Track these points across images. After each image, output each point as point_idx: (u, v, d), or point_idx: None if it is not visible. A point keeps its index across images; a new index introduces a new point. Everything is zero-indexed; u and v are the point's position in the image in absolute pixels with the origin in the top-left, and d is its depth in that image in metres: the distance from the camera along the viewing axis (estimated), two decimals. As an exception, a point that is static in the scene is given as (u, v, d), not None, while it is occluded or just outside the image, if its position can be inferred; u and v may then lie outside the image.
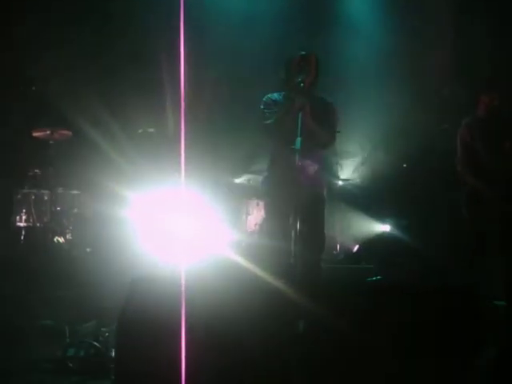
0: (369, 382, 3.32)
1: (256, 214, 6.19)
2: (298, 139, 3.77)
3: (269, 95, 4.20)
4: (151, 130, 6.49)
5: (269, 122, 4.06)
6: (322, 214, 4.12)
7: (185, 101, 3.26)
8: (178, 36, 3.05)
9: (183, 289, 2.94)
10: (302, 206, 3.90)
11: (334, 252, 6.39)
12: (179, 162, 3.31)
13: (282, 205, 4.01)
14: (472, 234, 4.56)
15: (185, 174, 3.68)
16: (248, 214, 6.23)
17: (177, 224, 4.89)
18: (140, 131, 6.50)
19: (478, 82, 5.42)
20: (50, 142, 6.19)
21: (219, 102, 6.67)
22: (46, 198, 6.11)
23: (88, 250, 5.73)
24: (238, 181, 6.57)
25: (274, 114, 4.06)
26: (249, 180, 6.49)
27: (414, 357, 3.47)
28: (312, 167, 4.06)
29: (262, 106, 4.16)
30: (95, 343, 3.79)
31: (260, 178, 6.36)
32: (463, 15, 6.79)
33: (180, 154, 3.23)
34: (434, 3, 6.94)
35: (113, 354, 3.61)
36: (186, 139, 3.24)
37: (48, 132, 6.14)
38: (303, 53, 4.12)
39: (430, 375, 3.35)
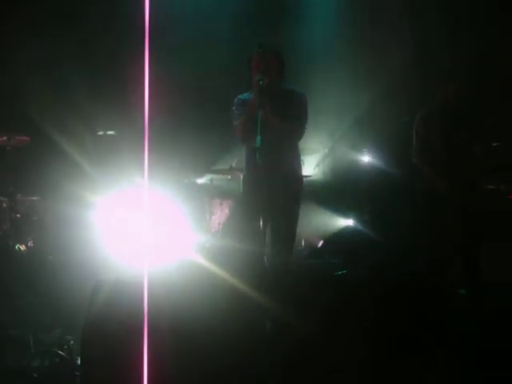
0: (340, 377, 3.34)
1: (219, 214, 6.17)
2: (258, 138, 3.78)
3: (239, 96, 4.18)
4: (111, 132, 6.42)
5: (235, 123, 4.06)
6: (294, 213, 4.10)
7: (148, 101, 3.23)
8: (142, 36, 3.02)
9: (146, 292, 2.91)
10: (274, 206, 3.91)
11: (299, 248, 6.41)
12: (142, 163, 3.27)
13: (254, 204, 4.00)
14: (431, 224, 4.62)
15: (148, 175, 3.65)
16: (212, 213, 6.21)
17: (140, 226, 4.85)
18: (100, 133, 6.43)
19: (434, 75, 5.51)
20: (8, 148, 6.07)
21: (183, 103, 6.63)
22: (4, 205, 5.99)
23: (50, 256, 5.64)
24: (200, 181, 6.54)
25: (241, 114, 4.05)
26: (212, 180, 6.47)
27: (385, 348, 3.52)
28: (283, 165, 4.05)
29: (233, 107, 4.15)
30: (60, 352, 3.73)
31: (223, 178, 6.43)
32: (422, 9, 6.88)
33: (143, 155, 3.20)
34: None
35: (78, 361, 3.57)
36: (149, 140, 3.22)
37: (5, 138, 6.01)
38: (260, 49, 4.11)
39: (400, 365, 3.39)
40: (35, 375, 3.62)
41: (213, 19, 6.66)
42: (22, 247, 5.79)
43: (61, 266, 5.30)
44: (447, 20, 6.57)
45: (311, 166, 7.07)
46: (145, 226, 4.67)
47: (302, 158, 6.92)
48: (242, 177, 4.30)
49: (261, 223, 4.00)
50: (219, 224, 6.15)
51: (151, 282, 3.00)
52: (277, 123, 3.94)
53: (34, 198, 6.19)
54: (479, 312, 4.28)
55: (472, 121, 4.73)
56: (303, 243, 6.49)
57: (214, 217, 6.21)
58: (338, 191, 6.82)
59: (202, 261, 4.21)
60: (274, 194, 3.95)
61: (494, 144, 5.75)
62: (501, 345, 3.66)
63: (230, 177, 6.39)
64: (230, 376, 3.16)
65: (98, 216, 5.40)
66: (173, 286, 3.29)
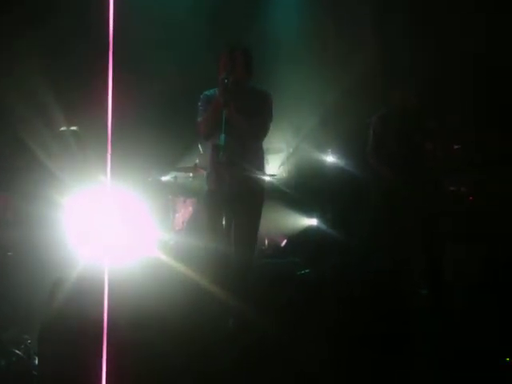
0: (301, 376, 3.36)
1: (183, 212, 6.14)
2: (222, 136, 3.77)
3: (205, 92, 4.16)
4: (74, 127, 6.32)
5: (199, 119, 4.04)
6: (257, 213, 4.10)
7: (112, 98, 3.19)
8: (106, 31, 2.98)
9: (106, 290, 2.87)
10: (236, 206, 3.90)
11: (263, 247, 6.41)
12: (105, 161, 3.23)
13: (218, 203, 3.99)
14: (390, 225, 4.66)
15: (111, 173, 3.60)
16: (175, 211, 6.17)
17: (102, 224, 4.79)
18: (63, 129, 6.32)
19: (392, 77, 5.57)
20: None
21: (146, 100, 6.58)
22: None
23: (9, 253, 5.53)
24: (164, 178, 6.50)
25: (206, 111, 4.03)
26: (175, 177, 6.43)
27: (346, 347, 3.54)
28: (246, 164, 4.04)
29: (199, 103, 4.13)
30: (17, 351, 3.66)
31: (187, 176, 6.40)
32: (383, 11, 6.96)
33: (106, 152, 3.16)
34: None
35: (36, 361, 3.50)
36: (112, 137, 3.18)
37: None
38: (228, 48, 4.10)
39: (362, 363, 3.42)
40: (-9, 375, 3.55)
41: (177, 18, 6.62)
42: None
43: (20, 264, 5.20)
44: (409, 22, 6.66)
45: (276, 165, 7.09)
46: (107, 224, 4.62)
47: (267, 157, 6.97)
48: (205, 174, 4.28)
49: (223, 222, 3.98)
50: (183, 222, 6.11)
51: (112, 279, 2.96)
52: (241, 122, 3.94)
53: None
54: (440, 312, 4.35)
55: (428, 122, 4.79)
56: (266, 242, 6.50)
57: (177, 215, 6.17)
58: (302, 191, 6.84)
59: (165, 258, 4.17)
60: (236, 193, 3.95)
61: (456, 146, 5.84)
62: (461, 344, 3.72)
63: (191, 174, 6.35)
64: (190, 372, 3.15)
65: (60, 214, 5.32)
66: (134, 283, 3.27)
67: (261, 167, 4.18)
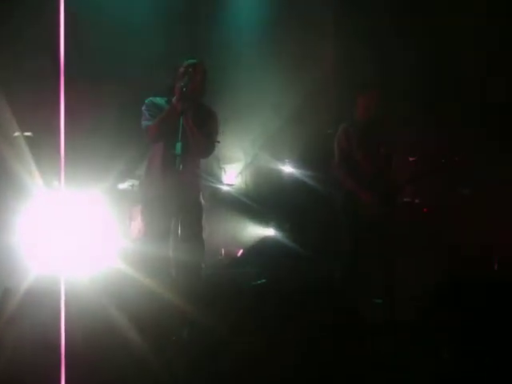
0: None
1: (139, 220, 6.07)
2: (179, 144, 3.76)
3: (151, 98, 4.15)
4: (28, 133, 6.21)
5: (149, 123, 4.01)
6: (199, 219, 4.10)
7: (64, 102, 3.15)
8: (57, 32, 2.94)
9: (63, 299, 2.82)
10: (180, 211, 3.89)
11: (219, 257, 6.40)
12: (59, 167, 3.18)
13: (160, 209, 3.96)
14: (348, 236, 4.70)
15: (64, 179, 3.54)
16: (132, 219, 6.10)
17: (56, 231, 4.71)
18: (16, 134, 6.20)
19: (355, 85, 5.63)
20: None
21: (103, 106, 6.50)
22: None
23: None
24: (121, 186, 6.42)
25: (154, 116, 4.01)
26: (132, 185, 6.36)
27: (299, 356, 3.55)
28: (191, 172, 4.04)
29: (143, 107, 4.12)
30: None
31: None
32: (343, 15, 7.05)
33: (60, 159, 3.11)
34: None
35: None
36: (66, 142, 3.13)
37: None
38: (191, 59, 4.12)
39: (317, 368, 3.44)
40: None
41: (134, 22, 6.58)
42: None
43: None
44: (368, 31, 6.76)
45: (233, 175, 7.10)
46: (61, 231, 4.54)
47: (224, 166, 7.01)
48: (145, 180, 4.24)
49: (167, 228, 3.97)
50: (139, 230, 6.04)
51: (66, 288, 2.92)
52: (195, 131, 3.95)
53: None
54: (392, 325, 4.41)
55: (390, 134, 4.85)
56: (223, 252, 6.49)
57: (133, 223, 6.11)
58: (259, 200, 6.85)
59: (122, 266, 4.12)
60: (179, 204, 3.94)
61: (411, 158, 5.92)
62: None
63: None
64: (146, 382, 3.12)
65: (12, 219, 5.20)
66: (89, 293, 3.22)
67: (199, 180, 4.22)
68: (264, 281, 5.35)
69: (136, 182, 6.35)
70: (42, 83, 5.80)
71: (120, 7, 6.51)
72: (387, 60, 6.54)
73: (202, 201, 4.15)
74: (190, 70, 4.01)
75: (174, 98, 3.94)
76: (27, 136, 6.16)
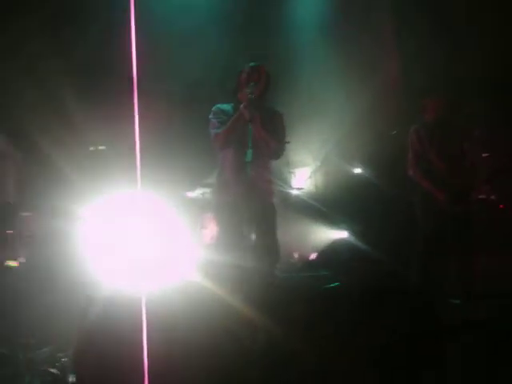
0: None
1: (211, 228, 6.15)
2: (250, 151, 3.79)
3: (218, 105, 4.21)
4: (102, 147, 6.41)
5: (218, 131, 4.06)
6: (274, 225, 4.12)
7: (138, 113, 3.23)
8: (129, 47, 3.03)
9: (144, 308, 2.90)
10: (253, 218, 3.92)
11: (292, 260, 6.40)
12: (134, 177, 3.26)
13: (233, 216, 4.00)
14: (425, 237, 4.63)
15: (140, 189, 3.64)
16: (204, 227, 6.19)
17: (133, 240, 4.83)
18: (91, 149, 6.41)
19: (423, 88, 5.53)
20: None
21: (172, 116, 6.63)
22: (-5, 222, 5.94)
23: (41, 271, 5.59)
24: (192, 194, 6.53)
25: (222, 123, 4.06)
26: (203, 193, 6.46)
27: (378, 362, 3.50)
28: (263, 178, 4.07)
29: (210, 116, 4.17)
30: (52, 370, 3.70)
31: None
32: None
33: (135, 168, 3.19)
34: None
35: (70, 379, 3.53)
36: (141, 153, 3.21)
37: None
38: (253, 64, 4.15)
39: (394, 377, 3.38)
40: (26, 394, 3.59)
41: (201, 31, 6.68)
42: (14, 264, 5.74)
43: (52, 282, 5.26)
44: (436, 32, 6.61)
45: (303, 178, 7.09)
46: (138, 240, 4.66)
47: (293, 170, 7.00)
48: (214, 189, 4.29)
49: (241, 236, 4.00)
50: (212, 238, 6.12)
51: (144, 296, 2.99)
52: (266, 138, 3.97)
53: (26, 214, 6.15)
54: (471, 324, 4.28)
55: (463, 131, 4.77)
56: (296, 256, 6.49)
57: (206, 231, 6.19)
58: (330, 203, 6.81)
59: (197, 276, 4.18)
60: (252, 209, 3.96)
61: (484, 154, 5.78)
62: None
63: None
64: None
65: (90, 230, 5.37)
66: (166, 300, 3.28)
67: (272, 185, 4.24)
68: (336, 284, 5.31)
69: (206, 190, 6.45)
70: (114, 97, 6.01)
71: (180, 16, 6.63)
72: (456, 59, 6.39)
73: (276, 206, 4.17)
74: (252, 74, 4.04)
75: (242, 105, 3.98)
76: (101, 149, 6.37)
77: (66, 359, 3.81)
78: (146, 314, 2.86)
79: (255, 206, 3.94)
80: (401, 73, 6.89)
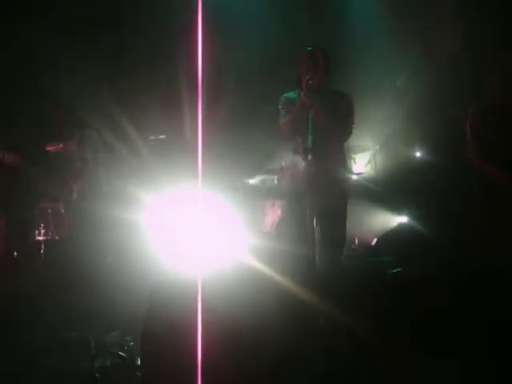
0: (392, 377, 3.32)
1: (272, 215, 6.19)
2: (309, 138, 3.79)
3: (285, 94, 4.22)
4: (162, 136, 6.52)
5: (283, 120, 4.08)
6: (343, 213, 4.11)
7: (202, 102, 3.28)
8: (195, 37, 3.07)
9: (200, 293, 2.96)
10: (322, 207, 3.91)
11: (353, 246, 6.38)
12: (195, 165, 3.32)
13: (301, 206, 4.01)
14: (486, 220, 4.52)
15: (201, 177, 3.69)
16: (264, 214, 6.23)
17: (194, 227, 4.91)
18: (152, 137, 6.53)
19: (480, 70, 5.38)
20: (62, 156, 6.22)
21: (232, 105, 6.68)
22: (62, 210, 6.15)
23: (110, 258, 5.76)
24: (252, 182, 6.58)
25: (288, 112, 4.08)
26: (263, 180, 6.50)
27: (444, 345, 3.46)
28: (330, 165, 4.05)
29: (279, 106, 4.20)
30: (121, 353, 3.82)
31: (274, 178, 6.44)
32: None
33: (197, 156, 3.24)
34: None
35: (138, 362, 3.65)
36: (202, 141, 3.26)
37: (60, 146, 6.17)
38: (310, 49, 4.13)
39: (461, 365, 3.34)
40: (97, 375, 3.72)
41: (260, 20, 6.68)
42: (81, 250, 5.93)
43: (120, 268, 5.42)
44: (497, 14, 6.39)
45: (363, 164, 7.03)
46: (198, 228, 4.74)
47: (354, 155, 6.96)
48: (289, 176, 4.31)
49: (312, 223, 3.99)
50: (272, 225, 6.16)
51: (205, 283, 3.05)
52: (327, 123, 3.96)
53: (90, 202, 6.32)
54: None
55: None
56: (357, 242, 6.46)
57: (266, 218, 6.23)
58: (391, 188, 6.74)
59: (255, 262, 4.23)
60: (321, 195, 3.95)
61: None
62: None
63: (276, 177, 6.39)
64: (283, 374, 3.18)
65: (154, 218, 5.49)
66: (226, 287, 3.33)
67: (343, 169, 4.20)
68: (399, 269, 5.26)
69: (267, 177, 6.49)
70: (175, 88, 6.11)
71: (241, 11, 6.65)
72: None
73: (346, 193, 4.14)
74: (310, 60, 4.02)
75: (302, 92, 3.98)
76: (162, 138, 6.49)
77: (133, 343, 3.93)
78: (205, 299, 2.92)
79: (321, 193, 3.94)
80: (461, 56, 6.71)
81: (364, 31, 6.96)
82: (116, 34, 6.70)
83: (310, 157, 3.73)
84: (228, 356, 3.11)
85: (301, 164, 4.01)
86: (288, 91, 4.23)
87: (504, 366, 3.34)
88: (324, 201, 3.96)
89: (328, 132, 3.96)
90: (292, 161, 4.24)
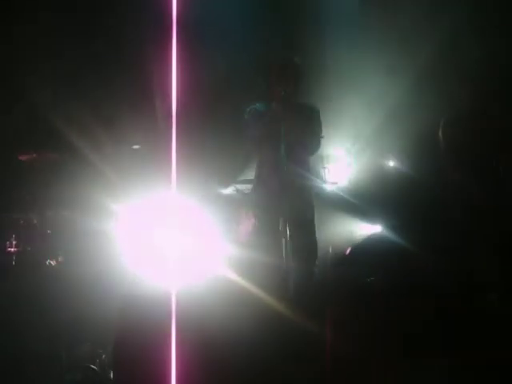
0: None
1: (246, 225, 6.17)
2: (282, 147, 3.81)
3: (252, 106, 4.22)
4: (136, 146, 6.48)
5: (252, 131, 4.07)
6: (312, 222, 4.13)
7: (176, 112, 3.27)
8: (169, 47, 3.06)
9: (174, 306, 2.94)
10: (292, 216, 3.92)
11: (327, 256, 6.39)
12: (170, 175, 3.31)
13: (272, 216, 4.01)
14: (462, 231, 4.58)
15: (175, 187, 3.68)
16: (239, 224, 6.21)
17: (167, 238, 4.88)
18: (135, 147, 6.49)
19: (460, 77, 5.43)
20: (36, 165, 6.15)
21: (206, 113, 6.67)
22: (35, 221, 6.07)
23: (79, 270, 5.69)
24: (226, 191, 6.56)
25: (258, 123, 4.07)
26: (237, 190, 6.48)
27: (412, 355, 3.48)
28: (299, 175, 4.08)
29: (245, 116, 4.19)
30: (92, 366, 3.78)
31: (247, 188, 6.43)
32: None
33: (170, 167, 3.24)
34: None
35: (111, 375, 3.61)
36: (176, 151, 3.25)
37: (34, 155, 6.11)
38: (281, 61, 4.14)
39: (434, 373, 3.36)
40: (69, 389, 3.68)
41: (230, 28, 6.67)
42: (53, 262, 5.87)
43: (91, 280, 5.36)
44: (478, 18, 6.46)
45: (336, 173, 7.06)
46: (172, 238, 4.71)
47: (327, 165, 6.98)
48: (252, 188, 4.31)
49: (286, 233, 3.99)
50: (246, 235, 6.14)
51: (179, 295, 3.03)
52: (299, 135, 3.98)
53: (64, 213, 6.26)
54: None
55: (500, 122, 4.70)
56: (330, 251, 6.47)
57: (241, 227, 6.21)
58: (365, 197, 6.77)
59: (230, 274, 4.22)
60: (292, 205, 3.96)
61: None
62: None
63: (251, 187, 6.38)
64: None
65: (127, 229, 5.45)
66: (199, 299, 3.32)
67: (309, 179, 4.23)
68: (373, 279, 5.29)
69: (240, 187, 6.48)
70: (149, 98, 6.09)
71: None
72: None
73: (313, 202, 4.17)
74: (282, 71, 4.03)
75: (274, 103, 3.98)
76: (135, 149, 6.45)
77: (105, 355, 3.88)
78: (179, 311, 2.90)
79: (292, 203, 3.95)
80: (440, 62, 6.75)
81: (339, 44, 6.98)
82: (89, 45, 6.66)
83: (284, 166, 3.74)
84: (202, 369, 3.10)
85: (269, 175, 4.02)
86: (253, 103, 4.24)
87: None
88: (294, 211, 3.97)
89: (299, 144, 3.98)
90: (257, 173, 4.24)
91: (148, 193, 5.60)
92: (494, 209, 4.46)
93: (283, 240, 3.94)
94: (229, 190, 6.54)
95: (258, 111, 4.15)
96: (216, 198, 6.35)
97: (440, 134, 4.72)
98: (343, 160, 7.05)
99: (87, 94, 6.42)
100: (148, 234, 5.26)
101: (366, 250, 6.25)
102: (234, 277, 3.98)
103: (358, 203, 6.72)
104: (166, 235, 4.93)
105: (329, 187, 6.83)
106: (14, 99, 6.34)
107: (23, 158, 6.14)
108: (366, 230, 6.63)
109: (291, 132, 3.93)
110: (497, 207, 4.47)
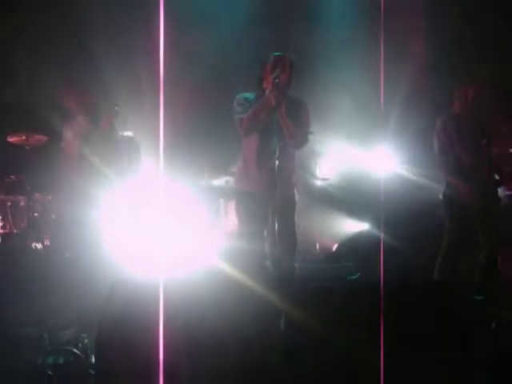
0: (354, 380, 3.34)
1: (234, 215, 6.17)
2: (275, 140, 3.80)
3: (242, 94, 4.20)
4: (129, 133, 6.45)
5: (242, 115, 4.03)
6: (293, 216, 4.15)
7: (163, 102, 3.25)
8: (157, 38, 3.04)
9: (161, 292, 2.93)
10: (275, 208, 3.92)
11: (314, 252, 6.42)
12: (159, 165, 3.29)
13: (255, 205, 4.01)
14: (451, 231, 4.59)
15: (163, 176, 3.66)
16: (226, 215, 6.23)
17: (156, 225, 4.87)
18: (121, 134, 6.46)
19: (452, 78, 5.46)
20: (26, 147, 6.11)
21: (197, 104, 6.66)
22: (22, 203, 6.04)
23: (67, 255, 5.68)
24: (216, 182, 6.57)
25: (246, 110, 4.04)
26: (227, 181, 6.49)
27: (396, 355, 3.50)
28: (287, 168, 4.07)
29: (235, 103, 4.16)
30: (75, 350, 3.76)
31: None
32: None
33: (159, 156, 3.21)
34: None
35: (92, 360, 3.60)
36: (165, 141, 3.23)
37: (23, 137, 6.06)
38: (278, 53, 4.14)
39: (413, 373, 3.38)
40: (50, 373, 3.65)
41: (225, 21, 6.67)
42: (39, 246, 5.85)
43: (77, 265, 5.34)
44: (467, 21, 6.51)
45: (327, 169, 7.08)
46: (160, 226, 4.70)
47: (319, 161, 7.00)
48: (240, 175, 4.29)
49: (274, 223, 4.00)
50: (234, 225, 6.15)
51: (166, 282, 3.03)
52: (289, 124, 3.96)
53: (51, 197, 6.23)
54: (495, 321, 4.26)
55: (490, 126, 4.71)
56: (318, 247, 6.50)
57: (228, 218, 6.23)
58: (354, 195, 6.80)
59: (218, 263, 4.22)
60: (277, 198, 3.96)
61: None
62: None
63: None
64: (245, 375, 3.18)
65: (114, 215, 5.43)
66: (187, 287, 3.31)
67: (294, 172, 4.23)
68: (357, 276, 5.32)
69: (230, 178, 6.48)
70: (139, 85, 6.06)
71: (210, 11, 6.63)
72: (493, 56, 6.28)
73: (296, 196, 4.18)
74: (278, 62, 4.03)
75: (267, 90, 3.96)
76: (128, 136, 6.42)
77: (88, 340, 3.87)
78: (166, 298, 2.89)
79: (278, 196, 3.94)
80: (431, 67, 6.80)
81: (330, 39, 7.00)
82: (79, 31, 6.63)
83: (274, 158, 3.73)
84: (189, 356, 3.10)
85: (255, 164, 4.01)
86: (244, 92, 4.22)
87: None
88: (281, 202, 3.97)
89: (289, 135, 3.97)
90: (243, 160, 4.21)
91: (137, 182, 5.59)
92: (484, 209, 4.48)
93: (271, 230, 3.95)
94: (219, 181, 6.55)
95: (247, 99, 4.12)
96: (206, 188, 6.36)
97: (436, 133, 4.73)
98: (335, 156, 7.08)
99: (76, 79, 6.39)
100: (136, 221, 5.25)
101: (352, 247, 6.28)
102: (222, 266, 3.98)
103: (347, 199, 6.75)
104: (154, 223, 4.92)
105: (320, 183, 6.86)
106: (3, 83, 6.31)
107: (12, 139, 6.10)
108: (353, 226, 6.65)
109: (283, 120, 3.91)
110: (485, 206, 4.49)
